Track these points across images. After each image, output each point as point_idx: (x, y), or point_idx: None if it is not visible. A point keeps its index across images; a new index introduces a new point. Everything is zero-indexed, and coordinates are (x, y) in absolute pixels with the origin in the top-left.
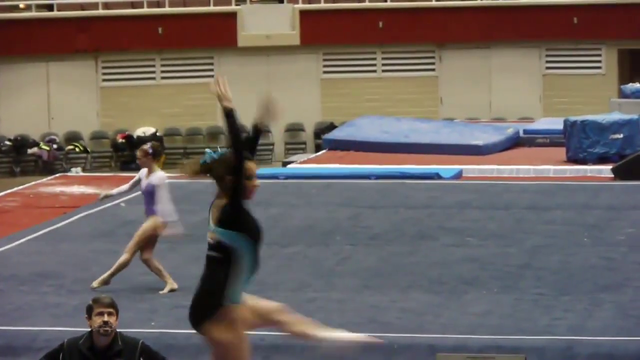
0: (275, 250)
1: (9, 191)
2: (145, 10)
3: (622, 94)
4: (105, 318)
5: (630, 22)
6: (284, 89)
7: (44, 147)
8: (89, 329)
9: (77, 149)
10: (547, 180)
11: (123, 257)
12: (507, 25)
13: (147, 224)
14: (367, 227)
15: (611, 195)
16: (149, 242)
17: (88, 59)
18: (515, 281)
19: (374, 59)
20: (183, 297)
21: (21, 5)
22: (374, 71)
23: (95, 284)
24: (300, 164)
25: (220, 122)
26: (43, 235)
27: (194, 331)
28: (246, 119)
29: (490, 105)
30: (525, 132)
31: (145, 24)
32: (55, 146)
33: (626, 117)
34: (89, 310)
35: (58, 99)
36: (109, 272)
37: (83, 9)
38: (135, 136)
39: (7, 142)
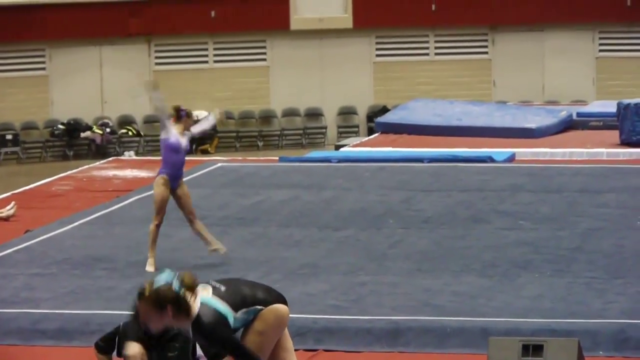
0: (327, 233)
1: (62, 175)
2: None
3: None
4: None
5: None
6: (337, 72)
7: (97, 130)
8: None
9: (130, 133)
10: (600, 163)
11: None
12: (560, 7)
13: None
14: (419, 210)
15: None
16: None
17: (141, 43)
18: (568, 265)
19: (427, 42)
20: None
21: None
22: (427, 54)
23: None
24: (352, 147)
25: (272, 105)
26: (96, 218)
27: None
28: (298, 103)
29: (543, 88)
30: (579, 115)
31: (198, 7)
32: (108, 130)
33: None
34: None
35: (111, 83)
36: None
37: None
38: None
39: (61, 126)
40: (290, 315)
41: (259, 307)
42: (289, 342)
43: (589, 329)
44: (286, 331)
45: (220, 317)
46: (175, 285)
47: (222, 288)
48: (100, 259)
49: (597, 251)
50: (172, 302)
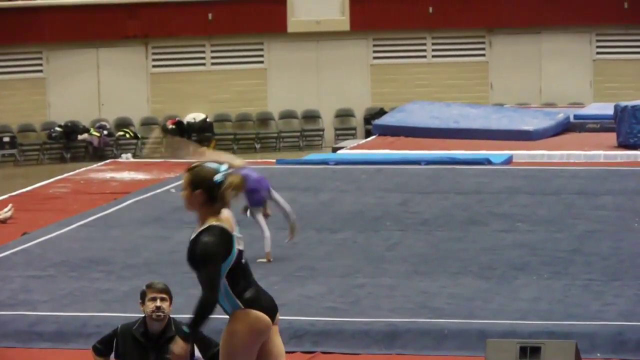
0: (325, 235)
1: (59, 177)
2: None
3: None
4: (158, 303)
5: None
6: (334, 74)
7: (94, 133)
8: (143, 315)
9: (127, 135)
10: (598, 165)
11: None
12: (557, 10)
13: None
14: (417, 212)
15: None
16: None
17: (138, 45)
18: (566, 267)
19: (424, 44)
20: None
21: None
22: (424, 57)
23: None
24: (350, 150)
25: (269, 108)
26: (93, 221)
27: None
28: (295, 105)
29: (541, 91)
30: (576, 117)
31: (195, 9)
32: (105, 132)
33: None
34: (143, 296)
35: (108, 85)
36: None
37: None
38: (185, 122)
39: (58, 129)
40: (288, 318)
41: (239, 302)
42: (276, 348)
43: (586, 331)
44: (273, 337)
45: (223, 247)
46: (219, 176)
47: (243, 260)
48: (97, 261)
49: (594, 253)
50: (206, 189)
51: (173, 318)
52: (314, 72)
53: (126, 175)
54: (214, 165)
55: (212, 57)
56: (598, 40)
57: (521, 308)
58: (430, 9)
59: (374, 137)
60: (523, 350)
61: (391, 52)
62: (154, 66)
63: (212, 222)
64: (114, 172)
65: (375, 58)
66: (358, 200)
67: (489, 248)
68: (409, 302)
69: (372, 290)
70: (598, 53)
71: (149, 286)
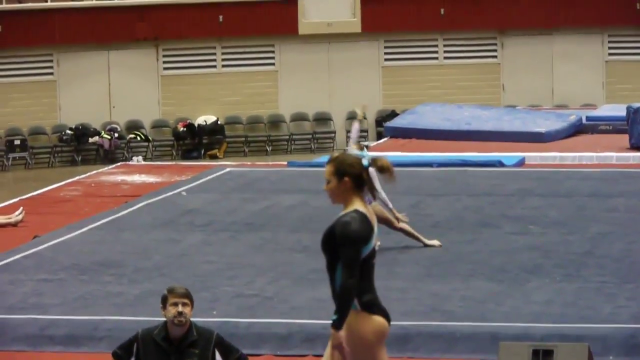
0: None
1: (70, 180)
2: None
3: None
4: (180, 308)
5: None
6: (345, 76)
7: (105, 136)
8: (164, 319)
9: (138, 138)
10: (610, 167)
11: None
12: (569, 11)
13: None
14: (428, 215)
15: None
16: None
17: (149, 47)
18: (578, 269)
19: (436, 46)
20: (245, 287)
21: None
22: (436, 58)
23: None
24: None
25: (280, 110)
26: (104, 224)
27: (255, 320)
28: (307, 107)
29: (553, 92)
30: (588, 119)
31: (206, 11)
32: (116, 135)
33: None
34: (164, 300)
35: (119, 88)
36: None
37: None
38: (196, 124)
39: (69, 131)
40: (299, 321)
41: (357, 303)
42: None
43: (599, 334)
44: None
45: (365, 233)
46: (365, 161)
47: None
48: (108, 265)
49: (606, 256)
50: (353, 175)
51: (194, 322)
52: (325, 74)
53: (137, 178)
54: (354, 152)
55: (223, 59)
56: (610, 42)
57: (533, 311)
58: (442, 11)
59: (385, 139)
60: (536, 353)
61: (403, 53)
62: (164, 68)
63: (358, 207)
64: (125, 175)
65: (386, 60)
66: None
67: (501, 250)
68: (420, 305)
69: (383, 293)
70: (610, 54)
71: (170, 291)
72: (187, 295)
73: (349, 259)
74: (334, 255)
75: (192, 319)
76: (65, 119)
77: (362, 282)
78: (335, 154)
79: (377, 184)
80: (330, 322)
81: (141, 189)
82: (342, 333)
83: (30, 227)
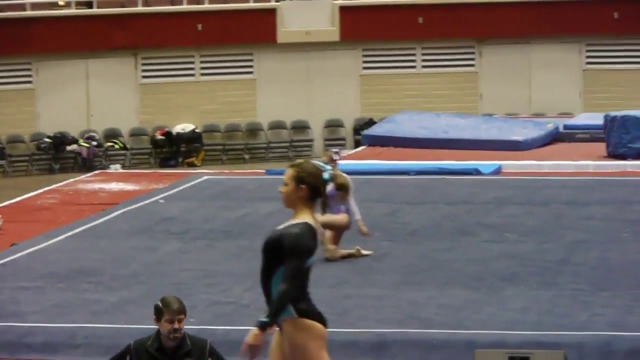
0: None
1: (48, 188)
2: (184, 7)
3: None
4: (176, 325)
5: None
6: (324, 85)
7: (83, 144)
8: (155, 328)
9: (116, 146)
10: (587, 175)
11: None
12: (547, 20)
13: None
14: (405, 223)
15: None
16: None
17: (127, 56)
18: (554, 277)
19: (414, 54)
20: (221, 294)
21: (60, 3)
22: (414, 67)
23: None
24: (339, 160)
25: (258, 118)
26: (82, 232)
27: (232, 327)
28: (285, 116)
29: (530, 101)
30: (565, 127)
31: (185, 20)
32: (94, 143)
33: None
34: (158, 313)
35: (97, 96)
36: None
37: (122, 6)
38: (174, 133)
39: (47, 139)
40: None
41: (293, 310)
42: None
43: (575, 341)
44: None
45: (313, 247)
46: (326, 174)
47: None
48: (85, 273)
49: (583, 263)
50: (310, 185)
51: (187, 332)
52: (303, 83)
53: (115, 186)
54: (318, 163)
55: (202, 68)
56: (588, 51)
57: (510, 318)
58: (420, 20)
59: (363, 147)
60: None
61: (381, 62)
62: (143, 77)
63: (308, 219)
64: (103, 183)
65: (365, 68)
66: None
67: (477, 258)
68: (397, 312)
69: (360, 301)
70: (588, 63)
71: (166, 306)
72: (183, 310)
73: (294, 270)
74: (272, 263)
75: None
76: (44, 127)
77: (297, 291)
78: (300, 160)
79: (351, 192)
80: (258, 322)
81: (119, 197)
82: (262, 337)
83: (8, 235)
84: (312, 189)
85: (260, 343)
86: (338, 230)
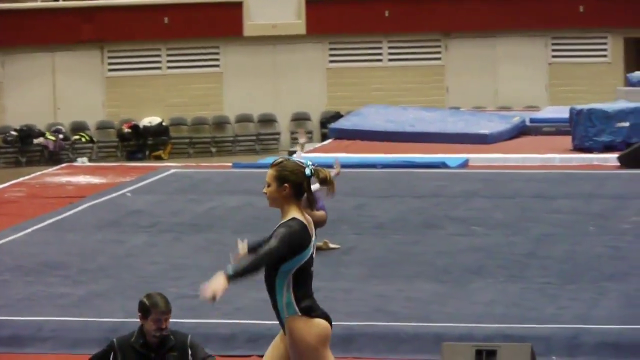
0: None
1: (14, 181)
2: None
3: (628, 83)
4: (162, 325)
5: (637, 11)
6: (290, 78)
7: (49, 137)
8: (139, 325)
9: (83, 139)
10: (553, 169)
11: None
12: (513, 14)
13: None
14: (373, 216)
15: (617, 184)
16: None
17: (93, 49)
18: (521, 270)
19: (380, 48)
20: (189, 288)
21: None
22: (380, 60)
23: None
24: (306, 153)
25: (225, 111)
26: (49, 225)
27: (199, 320)
28: (251, 109)
29: (497, 94)
30: (532, 120)
31: (151, 13)
32: (61, 136)
33: (632, 105)
34: (144, 310)
35: (64, 89)
36: None
37: None
38: (141, 126)
39: (13, 132)
40: (244, 321)
41: (296, 307)
42: None
43: (542, 334)
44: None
45: (300, 240)
46: (308, 170)
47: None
48: (53, 266)
49: (550, 257)
50: (293, 182)
51: (170, 328)
52: (270, 76)
53: (82, 179)
54: (299, 160)
55: (168, 61)
56: (553, 44)
57: (477, 311)
58: (387, 13)
59: (330, 140)
60: (479, 353)
61: (347, 55)
62: (109, 70)
63: (296, 216)
64: (70, 176)
65: (331, 62)
66: None
67: (445, 252)
68: (365, 305)
69: (328, 294)
70: (554, 57)
71: (153, 306)
72: (169, 309)
73: (272, 248)
74: (274, 267)
75: (135, 320)
76: (10, 120)
77: (300, 289)
78: (280, 158)
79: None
80: (225, 270)
81: (86, 190)
82: (225, 286)
83: None
84: (295, 186)
85: (223, 288)
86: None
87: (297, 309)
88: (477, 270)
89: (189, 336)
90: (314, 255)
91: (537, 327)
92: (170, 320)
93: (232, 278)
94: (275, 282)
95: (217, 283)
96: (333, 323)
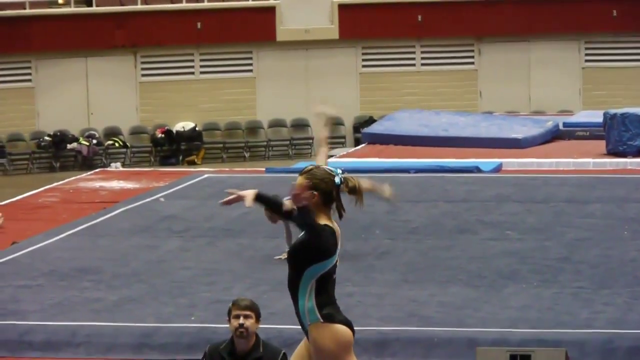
0: None
1: (48, 186)
2: (184, 5)
3: None
4: (241, 321)
5: None
6: (323, 83)
7: (83, 142)
8: (231, 335)
9: (116, 144)
10: (587, 173)
11: None
12: (546, 18)
13: None
14: (406, 221)
15: None
16: None
17: (127, 54)
18: (555, 275)
19: (413, 52)
20: (223, 293)
21: (60, 1)
22: (413, 65)
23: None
24: (339, 158)
25: (258, 116)
26: (82, 230)
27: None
28: (284, 114)
29: (530, 99)
30: (565, 125)
31: (184, 18)
32: (94, 141)
33: None
34: (228, 311)
35: (97, 95)
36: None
37: (122, 4)
38: (174, 131)
39: (47, 138)
40: (278, 326)
41: (318, 314)
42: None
43: (576, 339)
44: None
45: (330, 246)
46: (337, 179)
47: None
48: (86, 271)
49: (583, 261)
50: (323, 190)
51: (264, 340)
52: (303, 81)
53: (115, 184)
54: (329, 168)
55: (201, 66)
56: (587, 48)
57: (510, 316)
58: (420, 17)
59: (363, 145)
60: (513, 358)
61: (380, 60)
62: (142, 75)
63: (327, 222)
64: (103, 181)
65: (364, 66)
66: (347, 209)
67: (478, 256)
68: (398, 310)
69: (361, 299)
70: (587, 61)
71: (233, 303)
72: (250, 307)
73: (306, 221)
74: (299, 271)
75: (169, 325)
76: (44, 125)
77: (322, 296)
78: (310, 166)
79: None
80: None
81: (119, 195)
82: (252, 197)
83: (9, 234)
84: (324, 194)
85: (249, 198)
86: None
87: (319, 315)
88: (511, 275)
89: (282, 352)
90: (337, 263)
91: (571, 332)
92: (205, 325)
93: (258, 198)
94: (298, 287)
95: (245, 192)
96: (366, 328)
